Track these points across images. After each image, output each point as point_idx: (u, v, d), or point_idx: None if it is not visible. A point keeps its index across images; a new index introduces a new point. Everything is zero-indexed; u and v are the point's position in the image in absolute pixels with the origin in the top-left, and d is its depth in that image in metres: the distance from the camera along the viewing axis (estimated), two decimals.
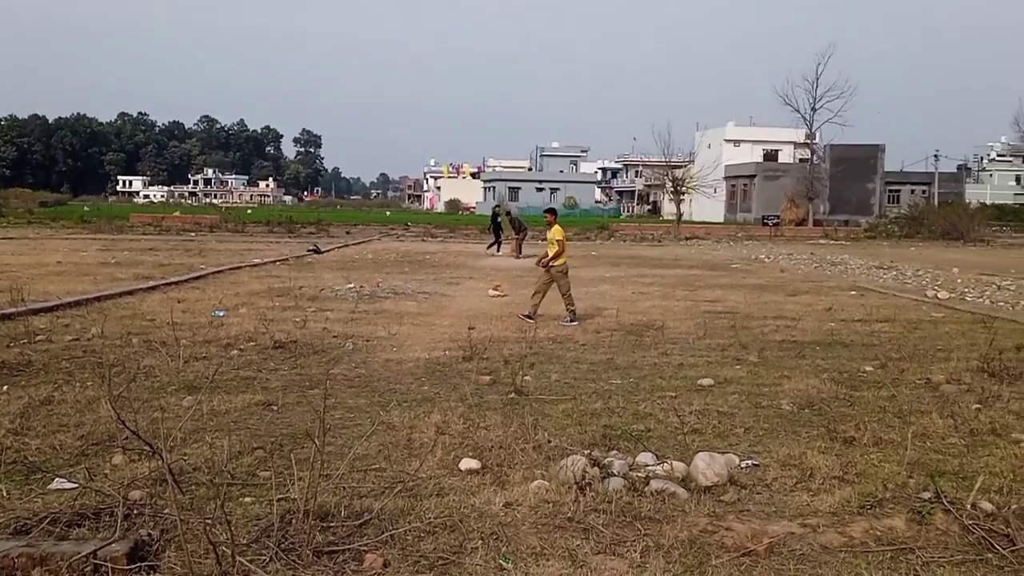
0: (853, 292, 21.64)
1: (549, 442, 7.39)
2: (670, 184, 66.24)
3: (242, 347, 11.90)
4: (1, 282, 18.19)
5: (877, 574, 5.17)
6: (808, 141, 79.08)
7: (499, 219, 36.45)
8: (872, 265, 32.14)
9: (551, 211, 16.07)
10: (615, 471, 6.57)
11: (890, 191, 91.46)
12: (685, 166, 74.15)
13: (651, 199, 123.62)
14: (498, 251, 35.20)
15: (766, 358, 11.94)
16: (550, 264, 15.05)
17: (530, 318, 14.69)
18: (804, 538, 5.66)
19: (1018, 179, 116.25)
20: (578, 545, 5.44)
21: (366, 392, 9.47)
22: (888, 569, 5.24)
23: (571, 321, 14.64)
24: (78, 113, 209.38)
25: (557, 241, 15.07)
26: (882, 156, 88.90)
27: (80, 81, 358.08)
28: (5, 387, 9.27)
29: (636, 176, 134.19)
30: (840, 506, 6.18)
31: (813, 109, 73.84)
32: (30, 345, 11.68)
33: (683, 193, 66.56)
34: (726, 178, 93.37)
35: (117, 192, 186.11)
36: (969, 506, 6.03)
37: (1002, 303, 19.50)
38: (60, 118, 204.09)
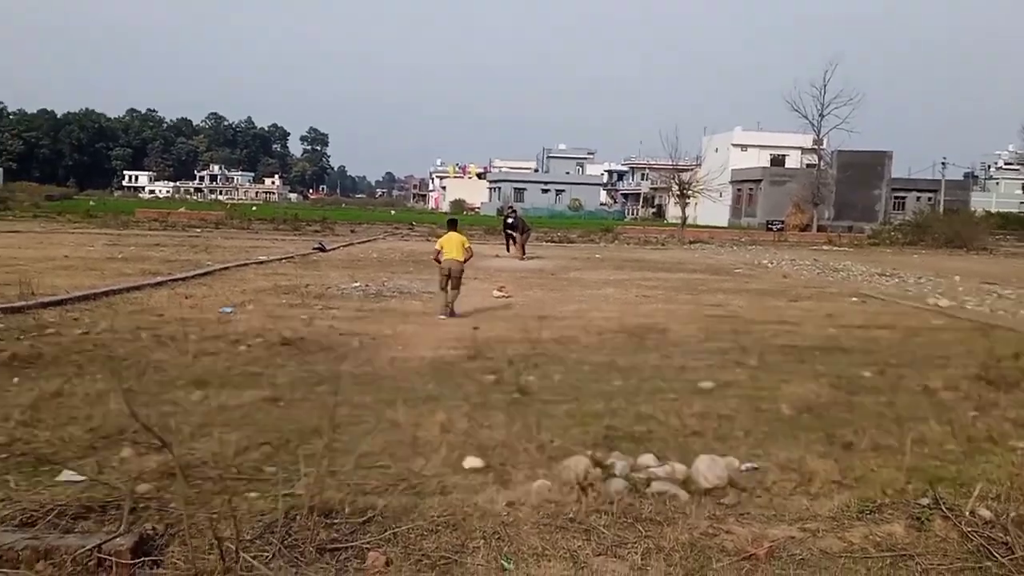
0: (854, 298, 21.63)
1: (552, 442, 7.37)
2: (676, 187, 65.65)
3: (250, 343, 11.92)
4: (10, 275, 18.24)
5: None
6: (815, 147, 78.69)
7: (509, 220, 36.01)
8: (874, 272, 32.08)
9: (451, 221, 17.97)
10: (617, 472, 6.58)
11: (896, 198, 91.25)
12: (692, 170, 73.92)
13: (656, 202, 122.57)
14: (508, 251, 34.65)
15: (767, 362, 11.93)
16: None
17: (452, 314, 15.69)
18: (804, 542, 5.69)
19: None
20: (579, 546, 5.48)
21: (372, 390, 9.45)
22: (888, 575, 5.27)
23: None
24: (86, 108, 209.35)
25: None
26: (889, 163, 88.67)
27: (90, 77, 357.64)
28: (16, 379, 9.31)
29: (642, 179, 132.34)
30: (839, 511, 6.18)
31: (821, 115, 72.99)
32: (40, 338, 11.73)
33: (689, 196, 66.15)
34: (732, 182, 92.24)
35: (123, 187, 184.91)
36: (968, 513, 6.05)
37: (1002, 312, 19.48)
38: (68, 113, 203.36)
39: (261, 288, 18.97)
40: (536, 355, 11.73)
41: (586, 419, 8.37)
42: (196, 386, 9.20)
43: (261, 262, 26.18)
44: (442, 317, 15.49)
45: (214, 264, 24.49)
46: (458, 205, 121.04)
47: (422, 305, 17.01)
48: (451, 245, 16.47)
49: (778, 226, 65.89)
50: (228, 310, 14.99)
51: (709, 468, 6.74)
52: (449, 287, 16.00)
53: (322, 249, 33.29)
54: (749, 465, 7.12)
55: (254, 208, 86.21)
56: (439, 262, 16.38)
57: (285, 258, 28.63)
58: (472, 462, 6.87)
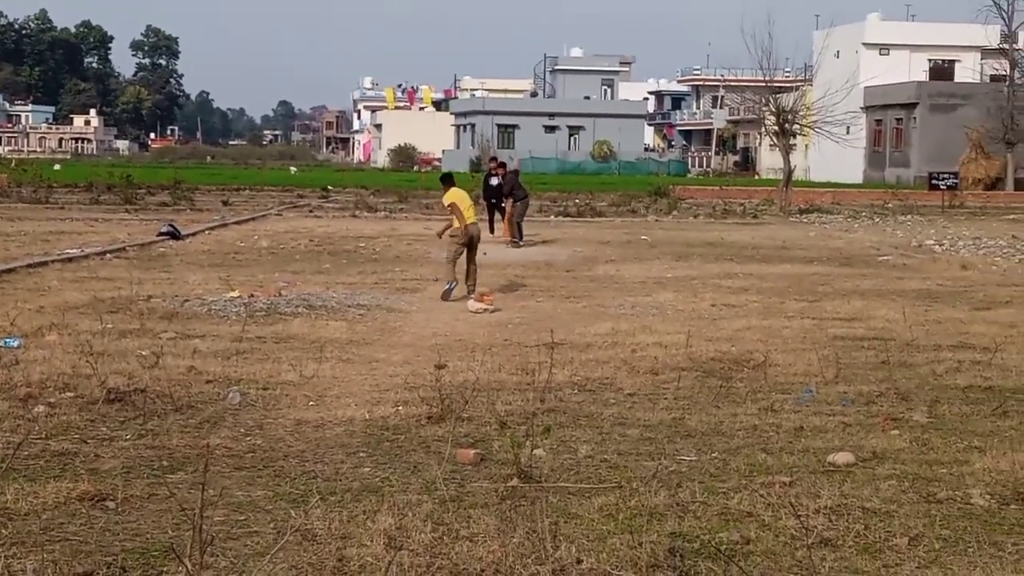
0: None
1: (579, 563, 5.43)
2: (773, 119, 43.31)
3: (53, 400, 8.88)
4: None
5: None
6: (1005, 46, 55.66)
7: (493, 180, 26.92)
8: None
9: (448, 177, 16.49)
10: None
11: None
12: (798, 88, 51.74)
13: (740, 145, 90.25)
14: (491, 231, 25.94)
15: (942, 417, 8.95)
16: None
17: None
18: None
19: None
20: None
21: (265, 477, 6.89)
22: None
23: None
24: None
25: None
26: None
27: None
28: None
29: (714, 106, 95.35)
30: None
31: None
32: None
33: (795, 135, 45.06)
34: (867, 108, 65.47)
35: None
36: None
37: None
38: None
39: (71, 303, 14.30)
40: (547, 411, 8.76)
41: (636, 521, 6.04)
42: None
43: (70, 259, 20.13)
44: (473, 305, 14.49)
45: None
46: (405, 155, 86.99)
47: (347, 328, 12.80)
48: (467, 202, 15.54)
49: (948, 182, 45.72)
50: (13, 343, 11.36)
51: None
52: (467, 263, 15.32)
53: (174, 235, 25.19)
54: None
55: (56, 167, 62.71)
56: (458, 228, 15.27)
57: (111, 251, 21.85)
58: None
